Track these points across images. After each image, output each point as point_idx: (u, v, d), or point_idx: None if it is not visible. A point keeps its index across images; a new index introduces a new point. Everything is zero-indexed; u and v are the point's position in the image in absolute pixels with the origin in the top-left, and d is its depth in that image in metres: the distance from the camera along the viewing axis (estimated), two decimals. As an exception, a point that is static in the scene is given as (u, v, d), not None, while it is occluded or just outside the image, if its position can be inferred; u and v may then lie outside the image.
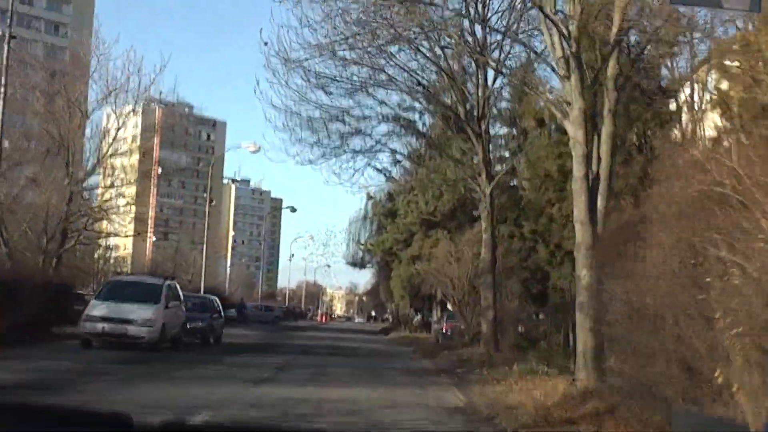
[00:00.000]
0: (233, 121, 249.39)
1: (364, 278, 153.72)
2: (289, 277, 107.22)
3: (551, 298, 39.03)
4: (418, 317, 67.92)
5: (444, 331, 36.82)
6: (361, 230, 57.88)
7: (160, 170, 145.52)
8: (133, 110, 33.86)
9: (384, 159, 42.91)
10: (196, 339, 27.50)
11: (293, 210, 64.26)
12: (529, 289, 38.76)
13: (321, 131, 27.32)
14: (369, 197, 48.71)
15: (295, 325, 67.04)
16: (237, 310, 56.83)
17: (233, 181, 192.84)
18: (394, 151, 28.20)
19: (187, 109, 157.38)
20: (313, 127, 27.39)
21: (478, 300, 32.74)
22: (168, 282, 24.48)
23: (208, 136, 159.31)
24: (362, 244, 50.77)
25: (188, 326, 26.99)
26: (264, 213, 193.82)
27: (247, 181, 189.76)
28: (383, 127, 28.85)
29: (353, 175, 27.36)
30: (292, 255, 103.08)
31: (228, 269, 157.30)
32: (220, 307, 30.79)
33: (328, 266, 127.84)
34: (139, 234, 48.67)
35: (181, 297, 26.19)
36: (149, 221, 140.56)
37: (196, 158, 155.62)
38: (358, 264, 60.59)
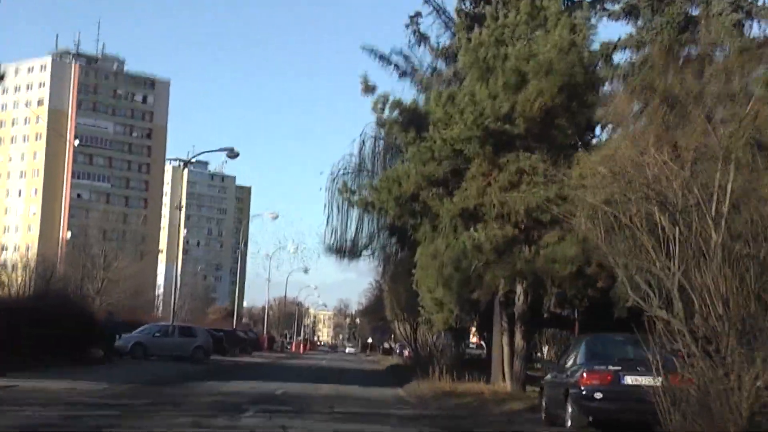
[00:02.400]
0: (180, 81, 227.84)
1: (359, 287, 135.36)
2: (238, 289, 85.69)
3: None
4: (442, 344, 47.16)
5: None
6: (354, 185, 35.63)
7: (77, 143, 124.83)
8: None
9: None
10: None
11: (233, 155, 42.35)
12: None
13: None
14: (367, 88, 26.40)
15: (236, 363, 44.92)
16: (106, 335, 34.30)
17: (185, 163, 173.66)
18: None
19: (116, 65, 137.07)
20: None
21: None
22: None
23: (145, 98, 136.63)
24: (353, 192, 28.49)
25: None
26: (228, 206, 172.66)
27: (204, 164, 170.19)
28: None
29: None
30: (243, 242, 77.58)
31: (177, 279, 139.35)
32: None
33: (306, 270, 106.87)
34: None
35: None
36: (62, 212, 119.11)
37: (127, 127, 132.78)
38: (345, 251, 38.74)
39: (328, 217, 37.92)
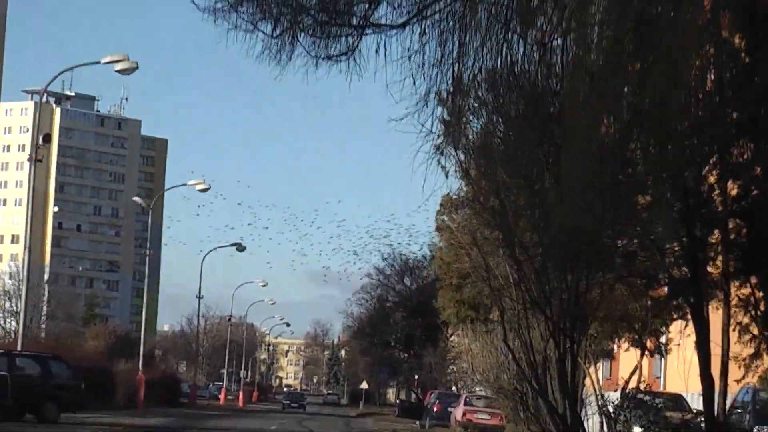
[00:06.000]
0: None
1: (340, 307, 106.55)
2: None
3: None
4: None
5: None
6: None
7: None
8: None
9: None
10: None
11: None
12: None
13: None
14: None
15: None
16: None
17: (57, 98, 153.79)
18: None
19: None
20: None
21: None
22: None
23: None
24: None
25: None
26: (129, 169, 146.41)
27: (88, 100, 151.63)
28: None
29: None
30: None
31: (46, 287, 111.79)
32: None
33: (240, 248, 72.54)
34: None
35: None
36: None
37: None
38: None
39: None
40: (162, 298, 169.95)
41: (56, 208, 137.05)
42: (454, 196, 31.62)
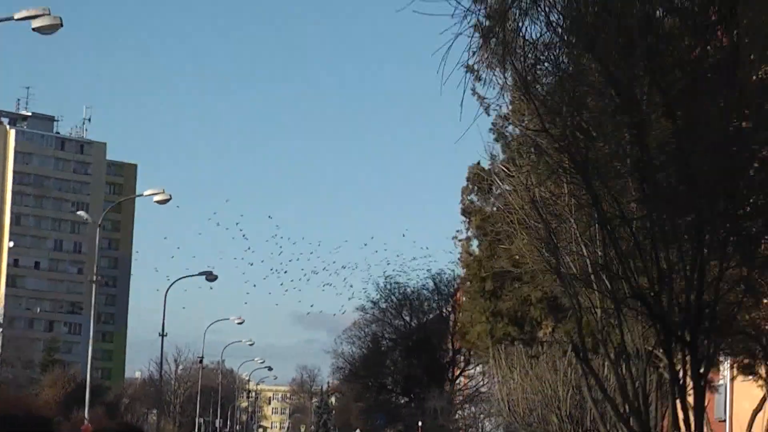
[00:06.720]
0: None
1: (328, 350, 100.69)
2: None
3: None
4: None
5: None
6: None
7: None
8: None
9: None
10: None
11: None
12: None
13: None
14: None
15: None
16: None
17: (12, 118, 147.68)
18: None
19: None
20: None
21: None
22: None
23: None
24: None
25: None
26: (93, 198, 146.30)
27: (48, 120, 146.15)
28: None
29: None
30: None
31: None
32: None
33: (210, 276, 64.47)
34: None
35: None
36: None
37: None
38: None
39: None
40: (138, 343, 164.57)
41: (12, 243, 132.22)
42: (488, 164, 22.86)
